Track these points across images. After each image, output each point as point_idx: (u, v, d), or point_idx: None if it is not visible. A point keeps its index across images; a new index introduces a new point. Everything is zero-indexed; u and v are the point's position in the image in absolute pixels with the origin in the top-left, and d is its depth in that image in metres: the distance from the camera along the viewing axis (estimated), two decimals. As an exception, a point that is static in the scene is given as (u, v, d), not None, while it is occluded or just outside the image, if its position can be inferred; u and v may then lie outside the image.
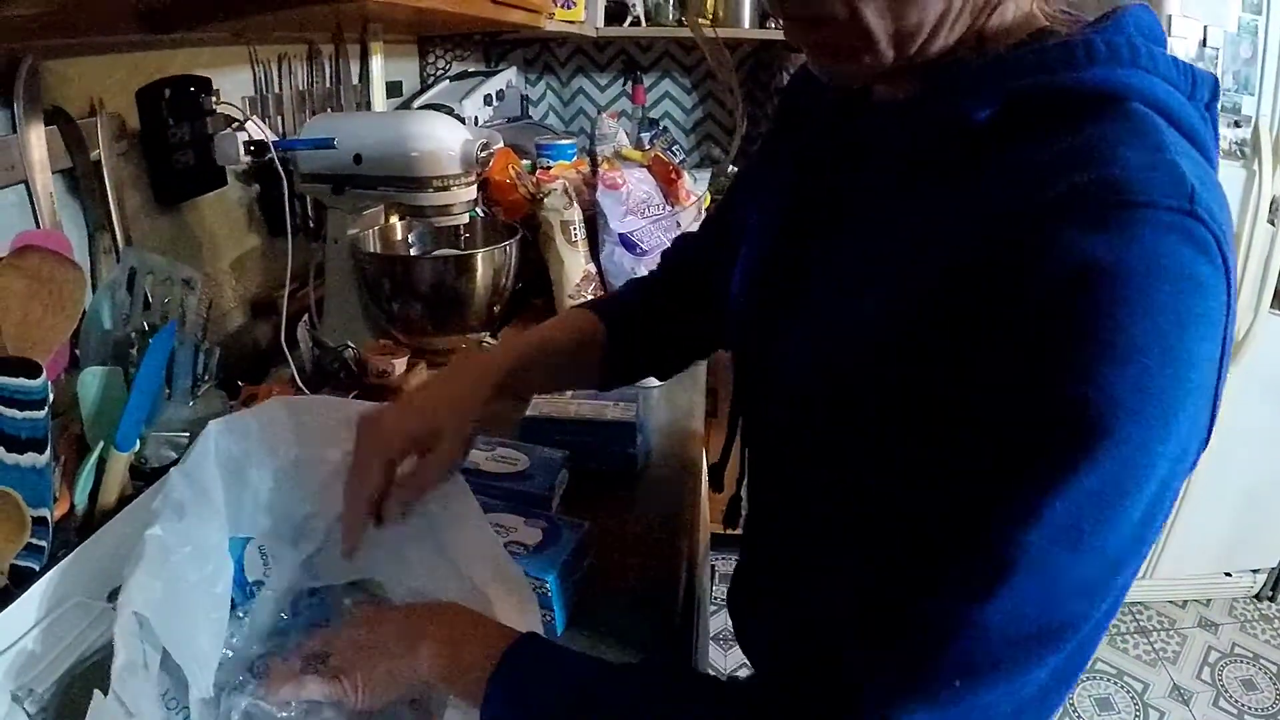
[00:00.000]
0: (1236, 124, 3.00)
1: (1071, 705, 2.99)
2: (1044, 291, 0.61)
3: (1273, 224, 3.01)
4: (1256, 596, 3.68)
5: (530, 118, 3.94)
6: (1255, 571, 3.66)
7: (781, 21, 0.78)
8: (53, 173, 1.44)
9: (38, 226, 1.40)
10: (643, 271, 2.12)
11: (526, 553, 1.19)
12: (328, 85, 2.45)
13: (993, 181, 0.70)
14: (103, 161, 1.54)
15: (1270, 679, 3.25)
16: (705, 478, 1.68)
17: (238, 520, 1.04)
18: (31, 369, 1.01)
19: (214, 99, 1.87)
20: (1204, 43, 2.91)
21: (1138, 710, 3.01)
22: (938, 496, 0.69)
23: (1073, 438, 0.61)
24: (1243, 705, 3.13)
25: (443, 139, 1.79)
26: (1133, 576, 0.70)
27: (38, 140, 1.40)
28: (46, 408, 1.02)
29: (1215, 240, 0.62)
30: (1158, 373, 0.60)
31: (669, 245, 1.42)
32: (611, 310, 1.30)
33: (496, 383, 1.13)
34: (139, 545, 0.92)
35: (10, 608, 0.94)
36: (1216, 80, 0.76)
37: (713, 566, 2.71)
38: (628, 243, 2.17)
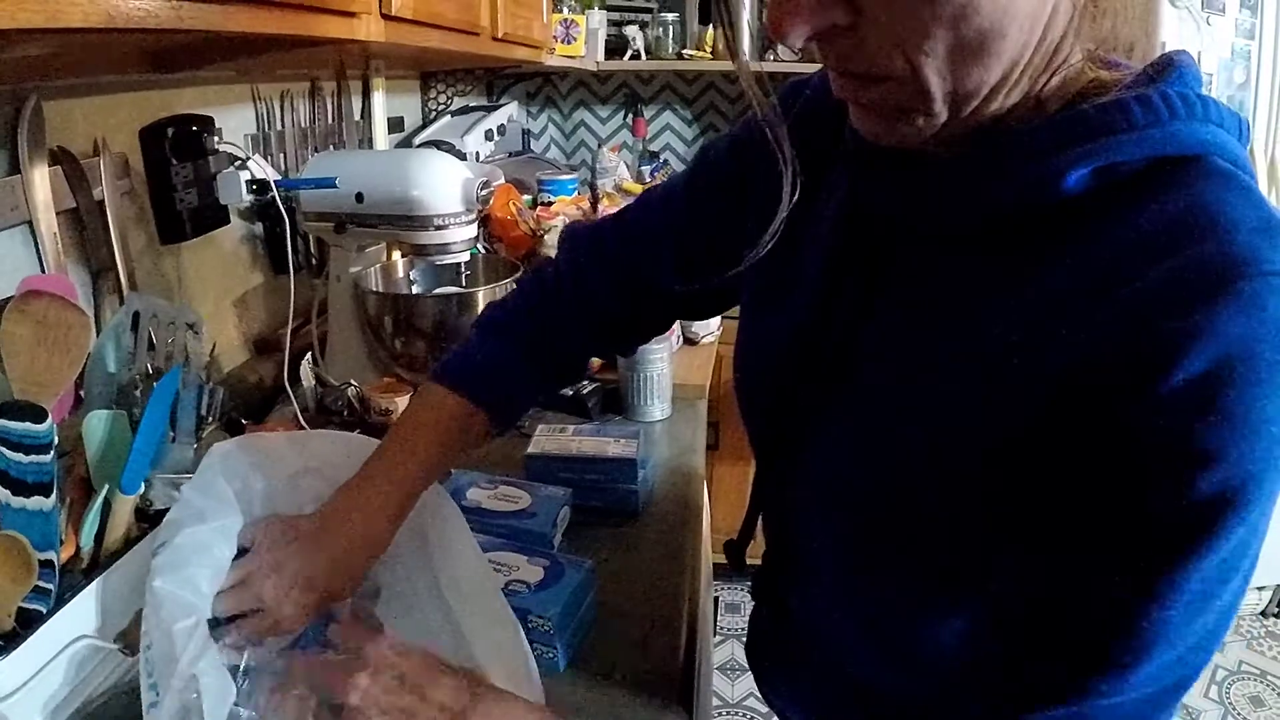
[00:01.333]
0: (1230, 148, 3.03)
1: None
2: (1181, 379, 0.59)
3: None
4: (1263, 614, 3.67)
5: (532, 151, 3.97)
6: (1260, 589, 3.65)
7: (835, 78, 0.73)
8: (57, 213, 1.45)
9: (42, 266, 1.40)
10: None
11: (529, 591, 1.19)
12: (330, 122, 2.47)
13: (1094, 254, 0.67)
14: (106, 201, 1.55)
15: (1278, 695, 3.24)
16: (706, 513, 1.68)
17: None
18: (37, 414, 1.02)
19: (216, 138, 1.89)
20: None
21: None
22: (1059, 583, 0.69)
23: (1213, 519, 0.61)
24: (1252, 722, 3.12)
25: (443, 178, 1.80)
26: None
27: (41, 181, 1.41)
28: (52, 452, 1.03)
29: None
30: None
31: (571, 236, 1.28)
32: (477, 385, 1.16)
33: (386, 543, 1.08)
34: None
35: (18, 650, 0.95)
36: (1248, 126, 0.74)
37: (716, 598, 2.71)
38: (628, 278, 2.18)
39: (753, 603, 1.20)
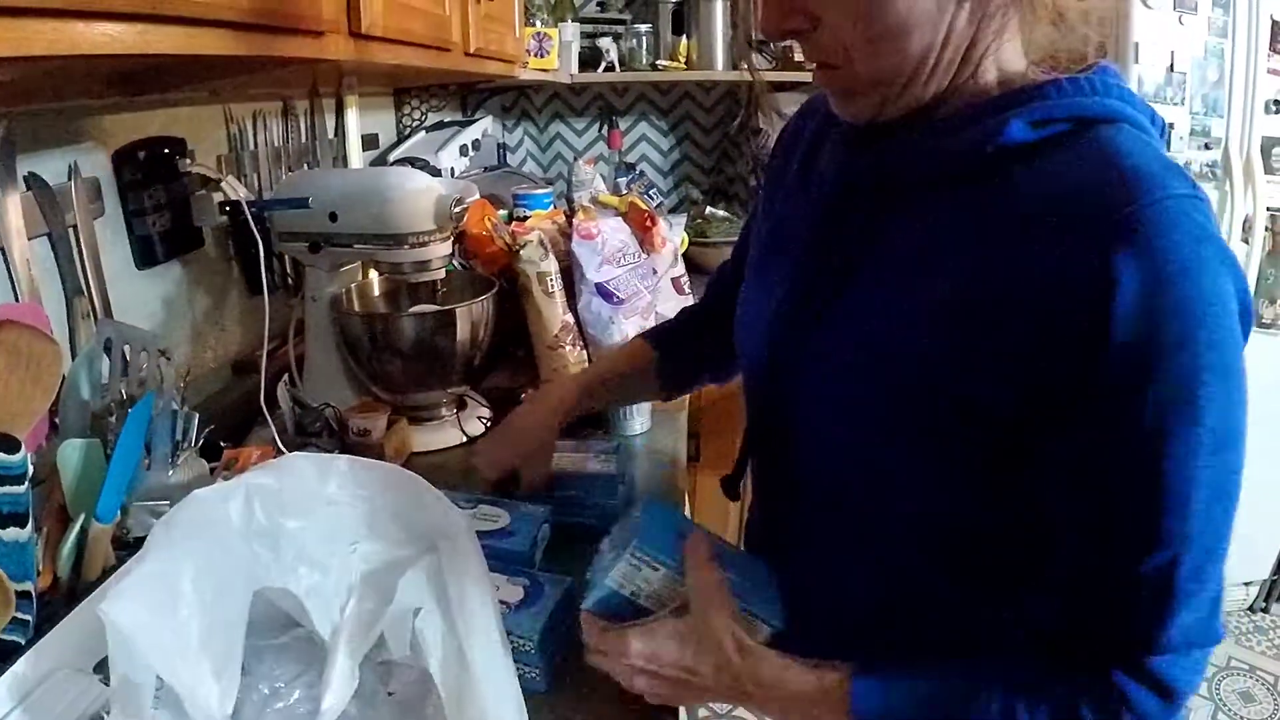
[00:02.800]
0: (1206, 146, 3.05)
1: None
2: (1129, 293, 0.76)
3: (1246, 243, 3.05)
4: (1250, 609, 3.69)
5: (508, 165, 3.96)
6: (1247, 584, 3.67)
7: (814, 70, 0.96)
8: (30, 239, 1.44)
9: (14, 293, 1.40)
10: (622, 321, 2.14)
11: (509, 611, 1.19)
12: (303, 140, 2.46)
13: (1034, 185, 0.85)
14: (79, 227, 1.55)
15: (1267, 689, 3.26)
16: (690, 516, 1.72)
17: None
18: (10, 444, 1.01)
19: (189, 160, 1.88)
20: (1171, 68, 2.94)
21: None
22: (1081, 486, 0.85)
23: (1193, 394, 0.77)
24: (1241, 717, 3.14)
25: (416, 195, 1.79)
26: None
27: (14, 207, 1.40)
28: (27, 482, 1.02)
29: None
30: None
31: (714, 275, 1.58)
32: (660, 335, 1.62)
33: (568, 408, 1.55)
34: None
35: (-1, 682, 0.94)
36: (1166, 123, 0.96)
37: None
38: (604, 292, 2.18)
39: None
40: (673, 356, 1.56)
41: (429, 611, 1.00)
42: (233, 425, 1.88)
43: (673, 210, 4.11)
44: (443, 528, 1.03)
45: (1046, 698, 0.88)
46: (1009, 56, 0.92)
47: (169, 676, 0.86)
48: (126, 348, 1.30)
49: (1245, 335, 0.80)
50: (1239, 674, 3.33)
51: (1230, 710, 3.15)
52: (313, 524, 1.01)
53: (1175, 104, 3.00)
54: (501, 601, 1.20)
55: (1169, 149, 2.89)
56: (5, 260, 1.40)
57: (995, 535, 0.96)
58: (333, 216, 1.81)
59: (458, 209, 1.81)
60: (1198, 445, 0.78)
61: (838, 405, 1.01)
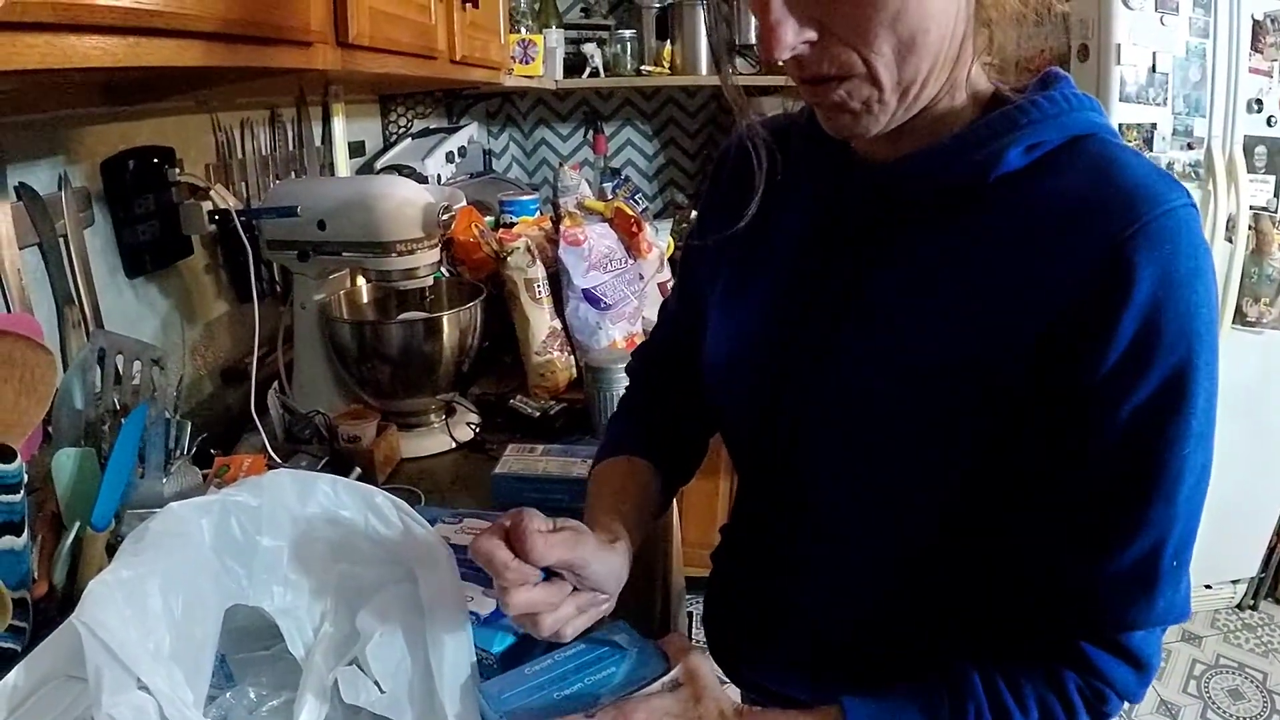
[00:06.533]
0: (1189, 146, 3.05)
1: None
2: (1137, 299, 0.80)
3: (1230, 241, 3.07)
4: (1238, 606, 3.69)
5: (494, 171, 3.97)
6: (1235, 582, 3.67)
7: (806, 89, 0.91)
8: (21, 248, 1.45)
9: (5, 302, 1.40)
10: (609, 326, 2.15)
11: (477, 622, 1.13)
12: (290, 148, 2.47)
13: (1034, 202, 0.89)
14: (69, 236, 1.56)
15: (1256, 687, 3.26)
16: (677, 529, 1.70)
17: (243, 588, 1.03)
18: (6, 454, 1.02)
19: (177, 169, 1.89)
20: (1153, 68, 2.95)
21: (1125, 730, 3.00)
22: (1083, 474, 0.88)
23: (1185, 382, 0.82)
24: (1231, 715, 3.15)
25: (404, 203, 1.81)
26: None
27: (3, 216, 1.41)
28: (21, 492, 1.03)
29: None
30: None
31: (631, 359, 1.46)
32: (640, 448, 1.30)
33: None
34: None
35: (-8, 690, 0.95)
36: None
37: (690, 612, 2.70)
38: (591, 298, 2.19)
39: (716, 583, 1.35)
40: (668, 458, 1.33)
41: (401, 640, 1.01)
42: (223, 432, 1.89)
43: (658, 215, 4.13)
44: (423, 556, 1.03)
45: (1028, 675, 0.93)
46: (976, 72, 0.94)
47: (146, 679, 0.87)
48: (120, 357, 1.30)
49: None
50: (1228, 672, 3.33)
51: (1220, 708, 3.16)
52: (290, 544, 1.02)
53: (1158, 104, 3.00)
54: (472, 612, 1.17)
55: (1151, 149, 2.92)
56: (-6, 269, 1.41)
57: (984, 533, 0.97)
58: (321, 225, 1.82)
59: (445, 216, 1.82)
60: (1188, 432, 0.83)
61: (847, 434, 1.01)
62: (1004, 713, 0.92)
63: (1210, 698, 3.21)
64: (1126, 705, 0.94)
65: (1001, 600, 0.98)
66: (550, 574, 0.96)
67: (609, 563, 1.02)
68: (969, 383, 0.90)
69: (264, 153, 2.32)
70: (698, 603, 3.03)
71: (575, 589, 0.99)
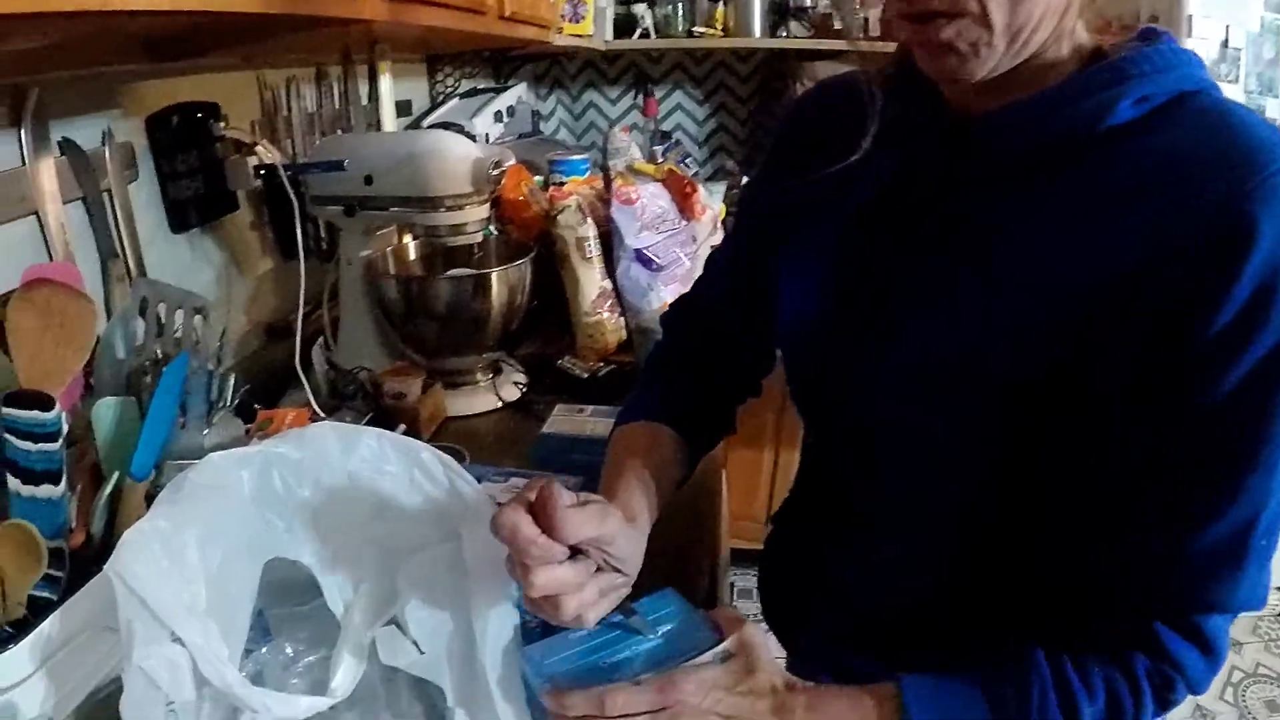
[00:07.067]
0: (1262, 128, 2.96)
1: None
2: (1259, 256, 0.75)
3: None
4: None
5: (541, 133, 3.94)
6: (1279, 589, 3.59)
7: (906, 24, 0.86)
8: (65, 203, 1.44)
9: (50, 258, 1.39)
10: (661, 288, 2.11)
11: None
12: (337, 107, 2.45)
13: (1143, 158, 0.84)
14: (113, 191, 1.55)
15: (1294, 699, 3.14)
16: (725, 494, 1.67)
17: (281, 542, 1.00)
18: (45, 402, 1.01)
19: (222, 124, 1.87)
20: (1225, 43, 2.84)
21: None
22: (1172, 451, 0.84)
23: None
24: (1266, 727, 3.04)
25: (453, 157, 1.78)
26: None
27: (48, 171, 1.40)
28: (60, 440, 1.02)
29: None
30: None
31: (669, 310, 1.39)
32: (666, 412, 1.24)
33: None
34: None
35: (29, 638, 0.94)
36: None
37: (731, 583, 2.68)
38: (643, 259, 2.16)
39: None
40: (690, 426, 1.25)
41: (442, 601, 0.99)
42: (268, 388, 1.88)
43: (708, 179, 4.08)
44: (468, 515, 0.99)
45: (1096, 657, 0.88)
46: (1079, 25, 0.89)
47: (180, 632, 0.85)
48: (162, 307, 1.29)
49: None
50: (1266, 681, 3.23)
51: (1255, 719, 3.07)
52: (332, 497, 0.99)
53: (1229, 81, 2.88)
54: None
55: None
56: (40, 224, 1.40)
57: (1059, 506, 0.94)
58: (368, 180, 1.80)
59: (495, 171, 1.80)
60: None
61: (925, 396, 0.97)
62: (1069, 695, 0.88)
63: (1247, 707, 3.11)
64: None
65: (1072, 578, 0.94)
66: (575, 553, 0.91)
67: (633, 540, 0.97)
68: (1060, 344, 0.86)
69: (310, 111, 2.30)
70: (740, 575, 3.00)
71: (599, 569, 0.94)
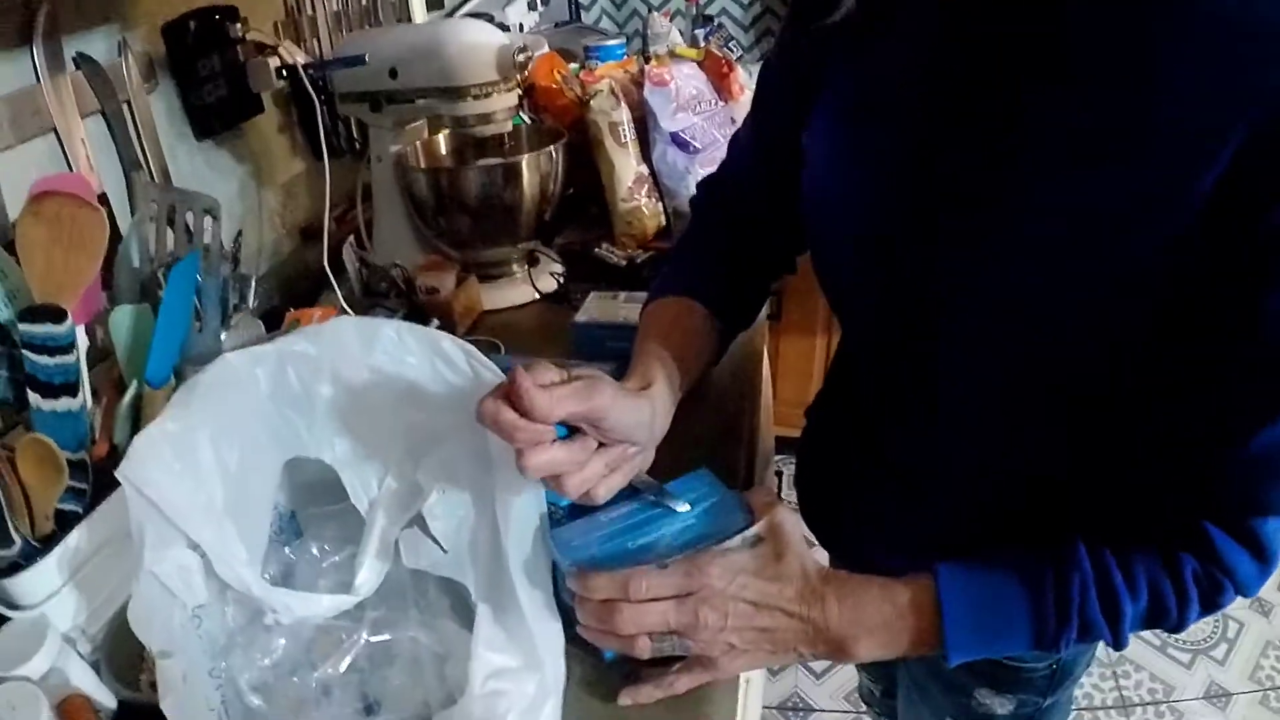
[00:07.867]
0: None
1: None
2: None
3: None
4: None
5: (580, 21, 3.87)
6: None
7: None
8: (84, 116, 1.43)
9: (71, 170, 1.38)
10: (699, 171, 2.06)
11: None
12: (364, 2, 2.41)
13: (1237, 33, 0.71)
14: (133, 103, 1.53)
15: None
16: (768, 386, 1.64)
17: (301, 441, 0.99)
18: (57, 315, 1.00)
19: (240, 26, 1.84)
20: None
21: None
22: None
23: None
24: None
25: (476, 45, 1.74)
26: None
27: (64, 87, 1.38)
28: (75, 351, 1.02)
29: None
30: None
31: (697, 191, 1.34)
32: (695, 287, 1.20)
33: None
34: None
35: (55, 550, 0.95)
36: None
37: (780, 472, 2.65)
38: (680, 141, 2.11)
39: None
40: (723, 304, 1.21)
41: (466, 494, 0.97)
42: (302, 291, 1.88)
43: (756, 63, 4.00)
44: None
45: (1141, 555, 0.86)
46: None
47: (194, 535, 0.85)
48: (190, 214, 1.27)
49: None
50: None
51: None
52: (352, 393, 0.97)
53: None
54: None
55: None
56: (59, 141, 1.39)
57: (1131, 407, 0.87)
58: (393, 73, 1.77)
59: (521, 58, 1.76)
60: None
61: (1000, 286, 0.85)
62: (1110, 591, 0.85)
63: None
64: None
65: (1123, 476, 0.90)
66: (573, 431, 0.89)
67: (634, 411, 0.93)
68: (1147, 229, 0.75)
69: (335, 9, 2.26)
70: (789, 463, 2.98)
71: (602, 445, 0.91)
